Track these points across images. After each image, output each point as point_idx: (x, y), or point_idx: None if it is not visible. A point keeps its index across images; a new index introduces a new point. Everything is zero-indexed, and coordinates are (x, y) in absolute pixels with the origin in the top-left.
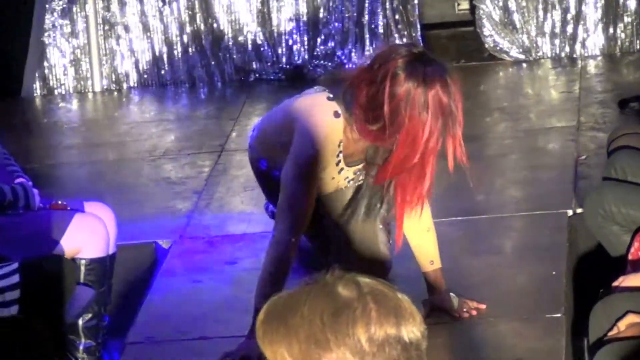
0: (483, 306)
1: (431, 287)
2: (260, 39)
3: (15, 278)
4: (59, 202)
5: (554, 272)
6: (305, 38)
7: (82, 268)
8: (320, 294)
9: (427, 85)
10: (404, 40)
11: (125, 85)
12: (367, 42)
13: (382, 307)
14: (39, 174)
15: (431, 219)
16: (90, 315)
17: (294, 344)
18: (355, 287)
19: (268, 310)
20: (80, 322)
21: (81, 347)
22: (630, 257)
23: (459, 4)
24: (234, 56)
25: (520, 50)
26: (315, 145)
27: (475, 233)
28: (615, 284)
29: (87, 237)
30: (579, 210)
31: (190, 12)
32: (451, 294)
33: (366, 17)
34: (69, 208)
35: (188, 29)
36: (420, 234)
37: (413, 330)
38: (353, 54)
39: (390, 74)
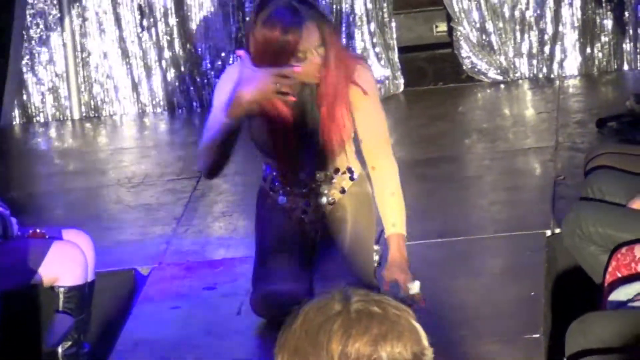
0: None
1: (390, 254)
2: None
3: None
4: (37, 230)
5: (532, 293)
6: None
7: (61, 296)
8: (315, 307)
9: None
10: (382, 63)
11: (104, 112)
12: None
13: (363, 325)
14: (18, 202)
15: (397, 184)
16: (69, 343)
17: (285, 354)
18: (345, 303)
19: (283, 326)
20: (59, 349)
21: None
22: (607, 276)
23: (436, 26)
24: (213, 81)
25: (498, 71)
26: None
27: (454, 255)
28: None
29: (65, 265)
30: (557, 231)
31: (168, 38)
32: (416, 281)
33: (343, 40)
34: (47, 236)
35: (167, 54)
36: (384, 198)
37: (398, 351)
38: None
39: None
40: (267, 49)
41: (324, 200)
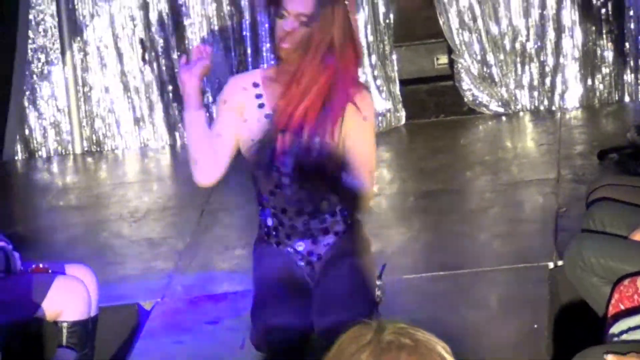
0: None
1: None
2: None
3: None
4: (40, 265)
5: (535, 325)
6: None
7: (64, 331)
8: (351, 335)
9: None
10: (383, 95)
11: (106, 147)
12: None
13: (392, 355)
14: (20, 237)
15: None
16: None
17: None
18: (377, 333)
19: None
20: None
21: None
22: (610, 308)
23: (438, 59)
24: (215, 114)
25: (500, 103)
26: None
27: (457, 287)
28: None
29: (68, 299)
30: (560, 263)
31: (170, 72)
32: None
33: None
34: (50, 271)
35: (169, 88)
36: None
37: None
38: None
39: None
40: None
41: (320, 246)
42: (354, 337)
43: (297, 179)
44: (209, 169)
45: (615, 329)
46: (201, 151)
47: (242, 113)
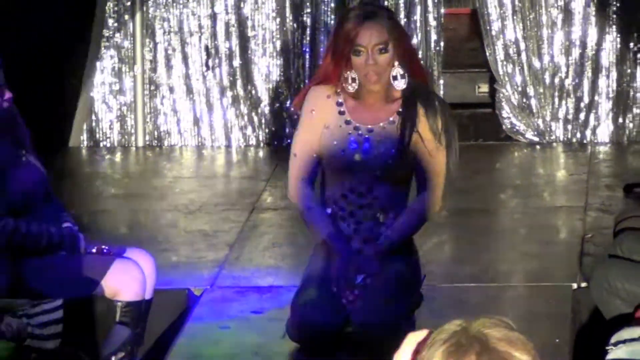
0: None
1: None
2: (292, 108)
3: (59, 314)
4: (103, 247)
5: (557, 340)
6: None
7: (119, 310)
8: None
9: None
10: None
11: (166, 142)
12: None
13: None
14: (81, 219)
15: (425, 208)
16: (122, 354)
17: None
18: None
19: None
20: (113, 359)
21: None
22: None
23: (479, 87)
24: (269, 121)
25: (535, 133)
26: None
27: (486, 299)
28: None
29: (125, 281)
30: (583, 285)
31: (231, 78)
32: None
33: None
34: (111, 253)
35: (228, 93)
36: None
37: None
38: None
39: None
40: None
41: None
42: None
43: (371, 186)
44: None
45: (615, 337)
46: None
47: (326, 121)
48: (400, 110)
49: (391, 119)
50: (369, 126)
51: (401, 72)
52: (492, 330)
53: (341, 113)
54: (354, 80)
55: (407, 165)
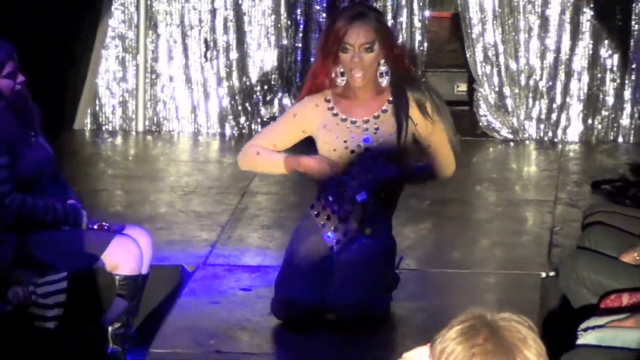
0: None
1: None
2: (285, 98)
3: (63, 284)
4: (104, 223)
5: None
6: None
7: (117, 283)
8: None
9: None
10: None
11: (164, 128)
12: None
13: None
14: (85, 197)
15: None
16: (119, 324)
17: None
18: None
19: None
20: (110, 329)
21: (109, 351)
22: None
23: (458, 86)
24: (262, 112)
25: (510, 130)
26: None
27: (460, 284)
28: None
29: (123, 256)
30: (551, 274)
31: (227, 70)
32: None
33: None
34: (111, 230)
35: (224, 84)
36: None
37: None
38: None
39: None
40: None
41: (359, 239)
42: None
43: (364, 171)
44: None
45: (584, 324)
46: (263, 170)
47: (311, 127)
48: (390, 99)
49: (384, 107)
50: (365, 117)
51: (386, 69)
52: (509, 324)
53: (335, 115)
54: (342, 74)
55: (404, 148)
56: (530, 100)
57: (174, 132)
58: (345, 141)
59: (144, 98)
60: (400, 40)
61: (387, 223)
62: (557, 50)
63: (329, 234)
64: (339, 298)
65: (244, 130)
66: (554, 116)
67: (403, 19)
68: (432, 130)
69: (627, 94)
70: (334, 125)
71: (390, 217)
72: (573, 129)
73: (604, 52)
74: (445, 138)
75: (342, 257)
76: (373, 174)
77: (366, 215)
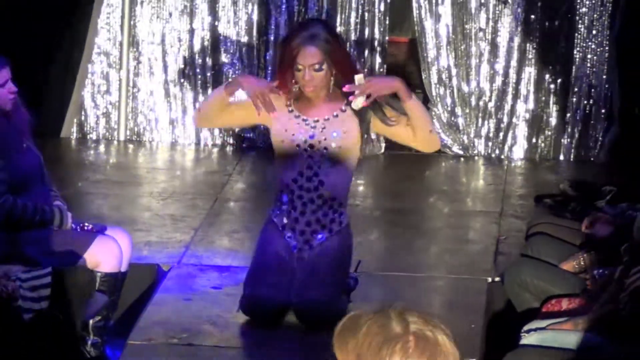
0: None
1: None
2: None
3: (48, 279)
4: (87, 224)
5: (473, 325)
6: None
7: (98, 279)
8: (377, 323)
9: None
10: None
11: (144, 138)
12: None
13: (420, 347)
14: (69, 199)
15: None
16: (99, 318)
17: (348, 355)
18: (404, 325)
19: (344, 326)
20: (91, 322)
21: (89, 342)
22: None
23: None
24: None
25: (460, 147)
26: None
27: (411, 287)
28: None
29: (104, 255)
30: (497, 279)
31: (204, 86)
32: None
33: None
34: (94, 230)
35: (200, 98)
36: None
37: None
38: None
39: None
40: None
41: (316, 239)
42: (381, 325)
43: (317, 171)
44: (206, 123)
45: (527, 326)
46: (212, 111)
47: (267, 115)
48: (343, 108)
49: (335, 113)
50: (315, 118)
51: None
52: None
53: (290, 110)
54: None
55: (350, 151)
56: (480, 120)
57: (153, 141)
58: (293, 134)
59: (126, 110)
60: (350, 53)
61: (342, 219)
62: (505, 75)
63: (289, 234)
64: (299, 298)
65: (217, 142)
66: (501, 135)
67: (364, 42)
68: (397, 120)
69: (569, 116)
70: (287, 120)
71: (344, 210)
72: (518, 147)
73: (548, 77)
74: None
75: (302, 257)
76: (319, 174)
77: (319, 213)
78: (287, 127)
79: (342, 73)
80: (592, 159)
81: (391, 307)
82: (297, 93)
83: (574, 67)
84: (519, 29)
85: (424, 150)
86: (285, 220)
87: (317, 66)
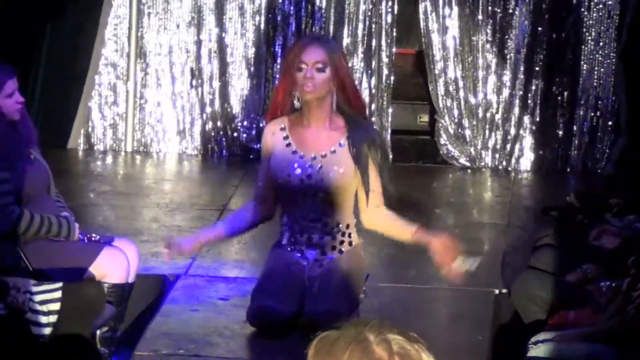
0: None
1: (432, 243)
2: (263, 123)
3: (58, 294)
4: (94, 235)
5: (480, 337)
6: None
7: (105, 290)
8: (358, 349)
9: None
10: None
11: (152, 149)
12: None
13: None
14: (76, 210)
15: (384, 214)
16: (106, 328)
17: None
18: (386, 347)
19: (317, 349)
20: (98, 332)
21: (96, 354)
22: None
23: (420, 117)
24: (242, 136)
25: (468, 159)
26: None
27: (420, 299)
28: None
29: (112, 266)
30: (504, 291)
31: (211, 97)
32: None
33: None
34: (101, 242)
35: (207, 109)
36: (380, 219)
37: None
38: None
39: None
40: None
41: (325, 258)
42: (363, 349)
43: (319, 211)
44: (254, 222)
45: (534, 338)
46: (233, 235)
47: (273, 152)
48: (342, 143)
49: (332, 148)
50: (312, 154)
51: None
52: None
53: (287, 145)
54: (298, 99)
55: (348, 186)
56: (487, 132)
57: (160, 152)
58: (289, 175)
59: (133, 121)
60: (353, 77)
61: (351, 239)
62: (513, 87)
63: (298, 254)
64: (311, 308)
65: (224, 153)
66: (508, 147)
67: (372, 54)
68: (375, 177)
69: (576, 128)
70: (283, 157)
71: (352, 232)
72: (525, 159)
73: (555, 89)
74: (378, 181)
75: (313, 274)
76: (319, 205)
77: (327, 238)
78: (283, 166)
79: (342, 91)
80: (599, 171)
81: (366, 326)
82: (294, 118)
83: (581, 79)
84: (526, 41)
85: (361, 218)
86: (293, 243)
87: (320, 65)
